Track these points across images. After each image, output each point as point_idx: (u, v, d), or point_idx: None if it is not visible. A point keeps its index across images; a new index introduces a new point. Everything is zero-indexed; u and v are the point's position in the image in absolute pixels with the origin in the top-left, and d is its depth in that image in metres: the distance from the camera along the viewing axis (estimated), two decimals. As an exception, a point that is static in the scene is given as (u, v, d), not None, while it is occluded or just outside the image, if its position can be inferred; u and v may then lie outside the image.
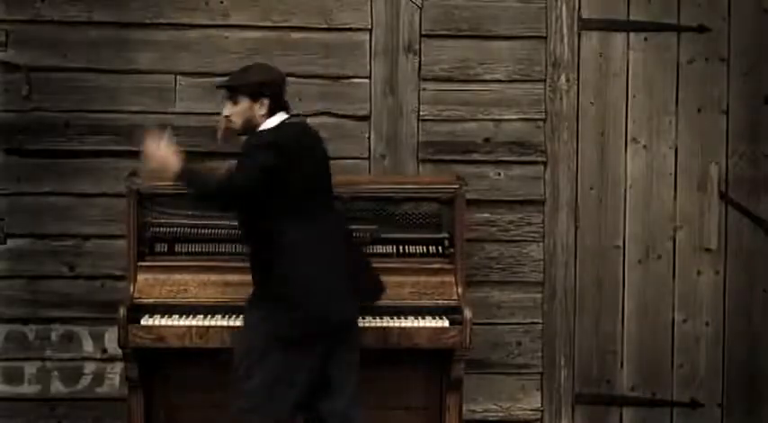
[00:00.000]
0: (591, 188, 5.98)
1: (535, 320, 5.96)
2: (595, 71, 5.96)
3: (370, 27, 5.86)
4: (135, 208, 5.30)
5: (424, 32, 5.88)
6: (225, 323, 5.13)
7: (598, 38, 5.96)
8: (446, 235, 5.40)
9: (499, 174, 5.92)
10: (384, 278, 5.07)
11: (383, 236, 5.40)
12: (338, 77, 5.85)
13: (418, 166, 5.88)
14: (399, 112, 5.88)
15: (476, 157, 5.91)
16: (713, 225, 5.99)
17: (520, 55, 5.91)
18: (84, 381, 5.85)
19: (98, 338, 5.82)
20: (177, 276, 5.29)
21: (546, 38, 5.92)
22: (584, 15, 5.92)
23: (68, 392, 5.81)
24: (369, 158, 5.88)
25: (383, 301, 5.14)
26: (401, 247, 5.41)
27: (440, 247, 5.40)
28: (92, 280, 5.80)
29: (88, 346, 5.84)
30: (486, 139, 5.92)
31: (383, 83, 5.86)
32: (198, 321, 5.14)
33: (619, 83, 5.97)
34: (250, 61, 5.76)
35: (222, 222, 5.31)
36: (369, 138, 5.87)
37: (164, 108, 5.79)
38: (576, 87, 5.94)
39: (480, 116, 5.91)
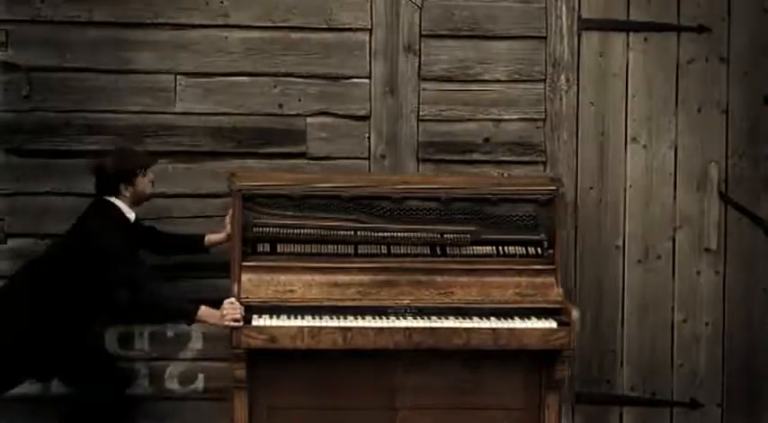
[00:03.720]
0: (591, 188, 5.98)
1: (535, 320, 5.97)
2: (595, 71, 5.96)
3: (370, 27, 5.85)
4: (240, 208, 5.29)
5: (423, 32, 5.88)
6: (336, 324, 5.11)
7: (598, 38, 5.96)
8: (544, 236, 5.44)
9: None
10: (486, 279, 5.15)
11: (483, 237, 5.43)
12: (338, 77, 5.85)
13: (418, 166, 5.87)
14: (399, 112, 5.87)
15: (476, 156, 5.91)
16: (713, 225, 5.99)
17: (520, 55, 5.91)
18: (84, 381, 5.84)
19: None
20: (282, 277, 5.26)
21: (546, 38, 5.91)
22: (584, 15, 5.92)
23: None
24: (368, 158, 5.87)
25: (489, 303, 5.22)
26: (501, 248, 5.44)
27: (538, 249, 5.44)
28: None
29: (88, 346, 5.83)
30: (486, 139, 5.91)
31: (383, 83, 5.86)
32: (308, 322, 5.11)
33: (618, 83, 5.97)
34: (250, 61, 5.79)
35: (324, 223, 5.33)
36: (369, 138, 5.87)
37: (164, 108, 5.79)
38: (575, 87, 5.94)
39: (480, 116, 5.91)
